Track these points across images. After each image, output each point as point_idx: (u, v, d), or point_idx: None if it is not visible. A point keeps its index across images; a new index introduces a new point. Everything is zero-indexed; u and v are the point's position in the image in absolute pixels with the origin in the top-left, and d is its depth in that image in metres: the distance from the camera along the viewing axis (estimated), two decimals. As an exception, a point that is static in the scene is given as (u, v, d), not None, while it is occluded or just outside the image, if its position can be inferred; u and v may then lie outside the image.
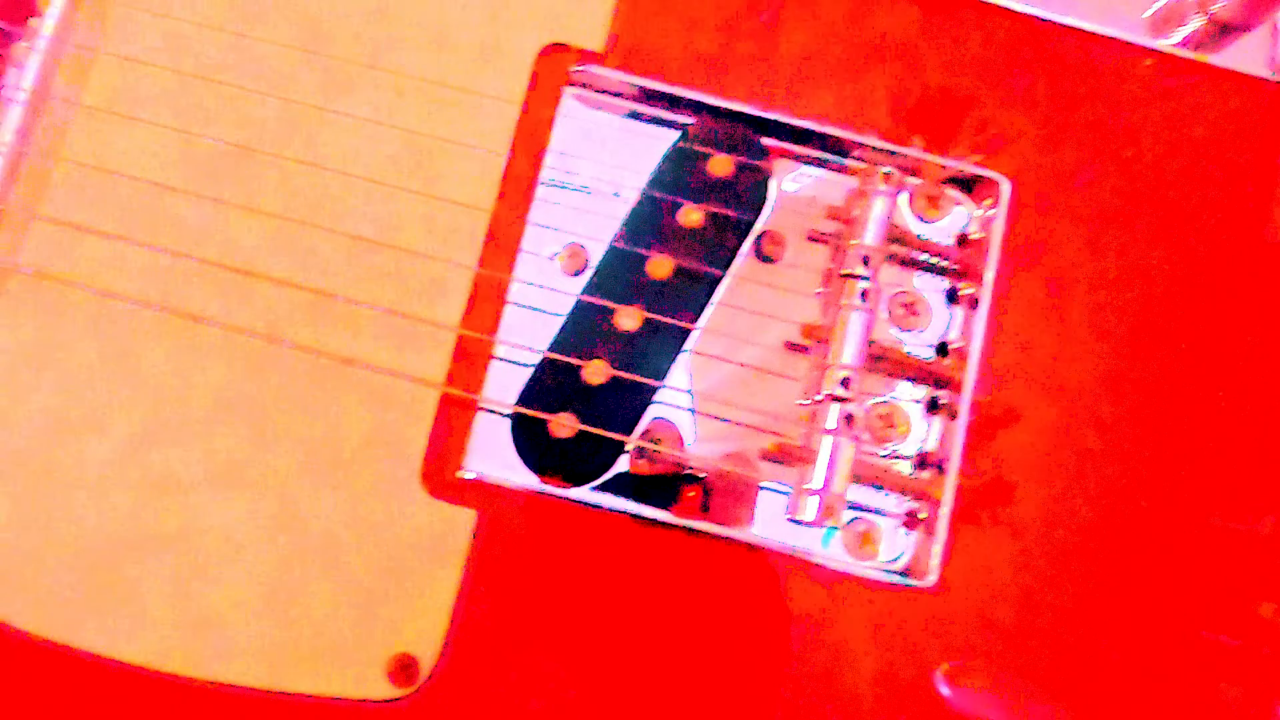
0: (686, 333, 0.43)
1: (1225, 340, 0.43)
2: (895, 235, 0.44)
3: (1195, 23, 0.47)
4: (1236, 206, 0.44)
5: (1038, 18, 0.46)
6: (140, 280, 0.42)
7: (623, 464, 0.42)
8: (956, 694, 0.40)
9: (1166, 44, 0.47)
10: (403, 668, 0.40)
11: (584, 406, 0.42)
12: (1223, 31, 0.47)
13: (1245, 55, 0.46)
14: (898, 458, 0.43)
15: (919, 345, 0.44)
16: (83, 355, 0.42)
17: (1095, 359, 0.43)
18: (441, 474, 0.41)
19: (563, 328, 0.43)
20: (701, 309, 0.43)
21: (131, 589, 0.40)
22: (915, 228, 0.45)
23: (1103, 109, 0.45)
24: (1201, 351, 0.43)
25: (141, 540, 0.40)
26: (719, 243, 0.44)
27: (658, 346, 0.43)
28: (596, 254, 0.44)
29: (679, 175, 0.44)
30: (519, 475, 0.42)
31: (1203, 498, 0.42)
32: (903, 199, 0.45)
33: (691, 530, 0.41)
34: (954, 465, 0.42)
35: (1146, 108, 0.45)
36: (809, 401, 0.42)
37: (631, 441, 0.42)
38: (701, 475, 0.43)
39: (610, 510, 0.42)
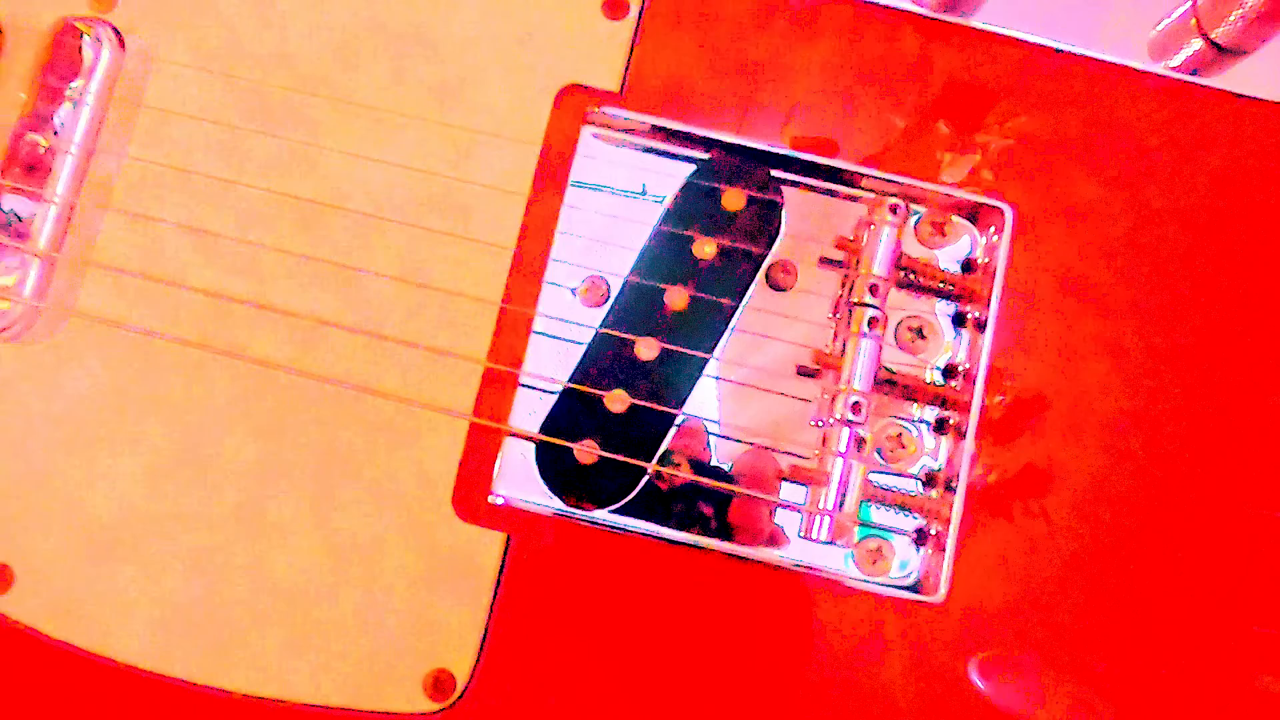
0: (703, 361, 0.45)
1: (1233, 358, 0.44)
2: (902, 263, 0.45)
3: (1194, 46, 0.48)
4: (1245, 223, 0.45)
5: (1040, 44, 0.46)
6: (184, 321, 0.44)
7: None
8: (991, 684, 0.42)
9: (1167, 68, 0.48)
10: (438, 683, 0.42)
11: (606, 433, 0.44)
12: (1221, 55, 0.48)
13: (1245, 79, 0.47)
14: (907, 476, 0.45)
15: (927, 368, 0.46)
16: (133, 391, 0.44)
17: (1102, 379, 0.44)
18: (472, 499, 0.43)
19: (584, 358, 0.45)
20: (717, 338, 0.45)
21: (173, 606, 0.42)
22: (922, 254, 0.46)
23: (1106, 134, 0.46)
24: (1207, 370, 0.44)
25: (183, 560, 0.43)
26: (733, 273, 0.45)
27: (675, 375, 0.44)
28: (616, 286, 0.46)
29: (693, 209, 0.46)
30: (545, 499, 0.44)
31: (1213, 507, 0.43)
32: (910, 224, 0.46)
33: (710, 550, 0.43)
34: (962, 483, 0.43)
35: (1150, 131, 0.46)
36: (821, 425, 0.44)
37: (652, 466, 0.44)
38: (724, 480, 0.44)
39: (634, 532, 0.44)
